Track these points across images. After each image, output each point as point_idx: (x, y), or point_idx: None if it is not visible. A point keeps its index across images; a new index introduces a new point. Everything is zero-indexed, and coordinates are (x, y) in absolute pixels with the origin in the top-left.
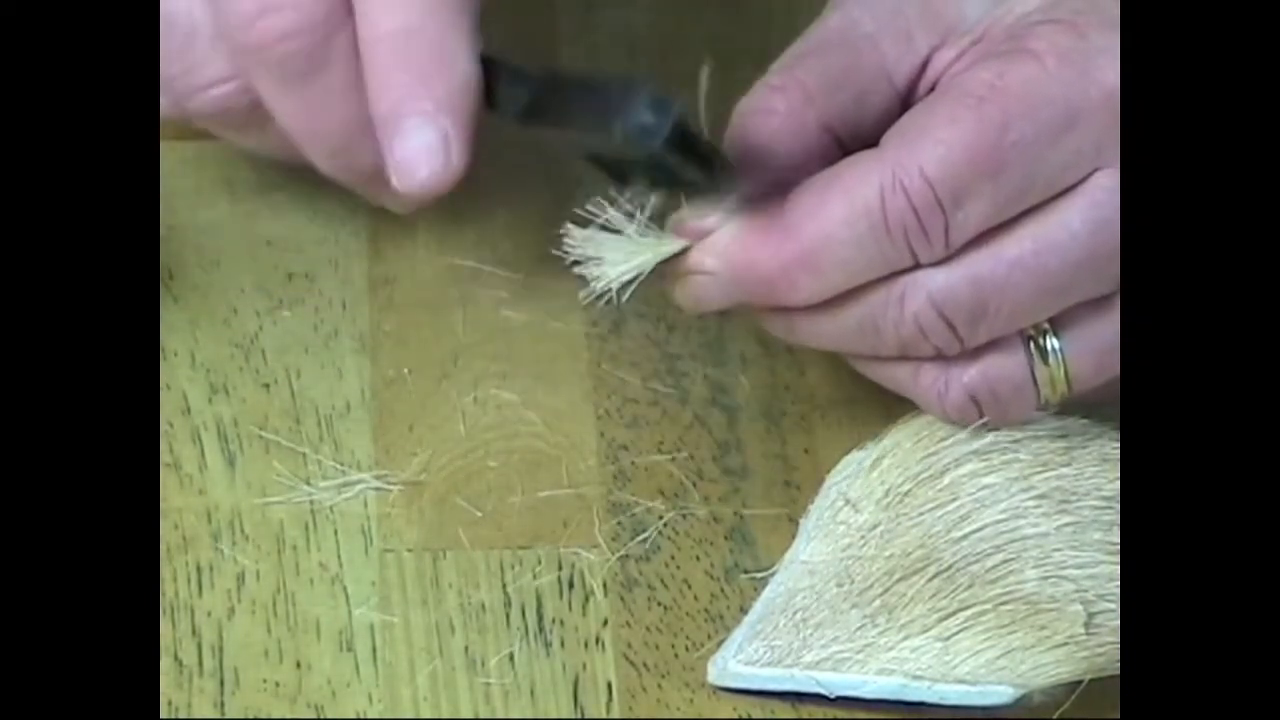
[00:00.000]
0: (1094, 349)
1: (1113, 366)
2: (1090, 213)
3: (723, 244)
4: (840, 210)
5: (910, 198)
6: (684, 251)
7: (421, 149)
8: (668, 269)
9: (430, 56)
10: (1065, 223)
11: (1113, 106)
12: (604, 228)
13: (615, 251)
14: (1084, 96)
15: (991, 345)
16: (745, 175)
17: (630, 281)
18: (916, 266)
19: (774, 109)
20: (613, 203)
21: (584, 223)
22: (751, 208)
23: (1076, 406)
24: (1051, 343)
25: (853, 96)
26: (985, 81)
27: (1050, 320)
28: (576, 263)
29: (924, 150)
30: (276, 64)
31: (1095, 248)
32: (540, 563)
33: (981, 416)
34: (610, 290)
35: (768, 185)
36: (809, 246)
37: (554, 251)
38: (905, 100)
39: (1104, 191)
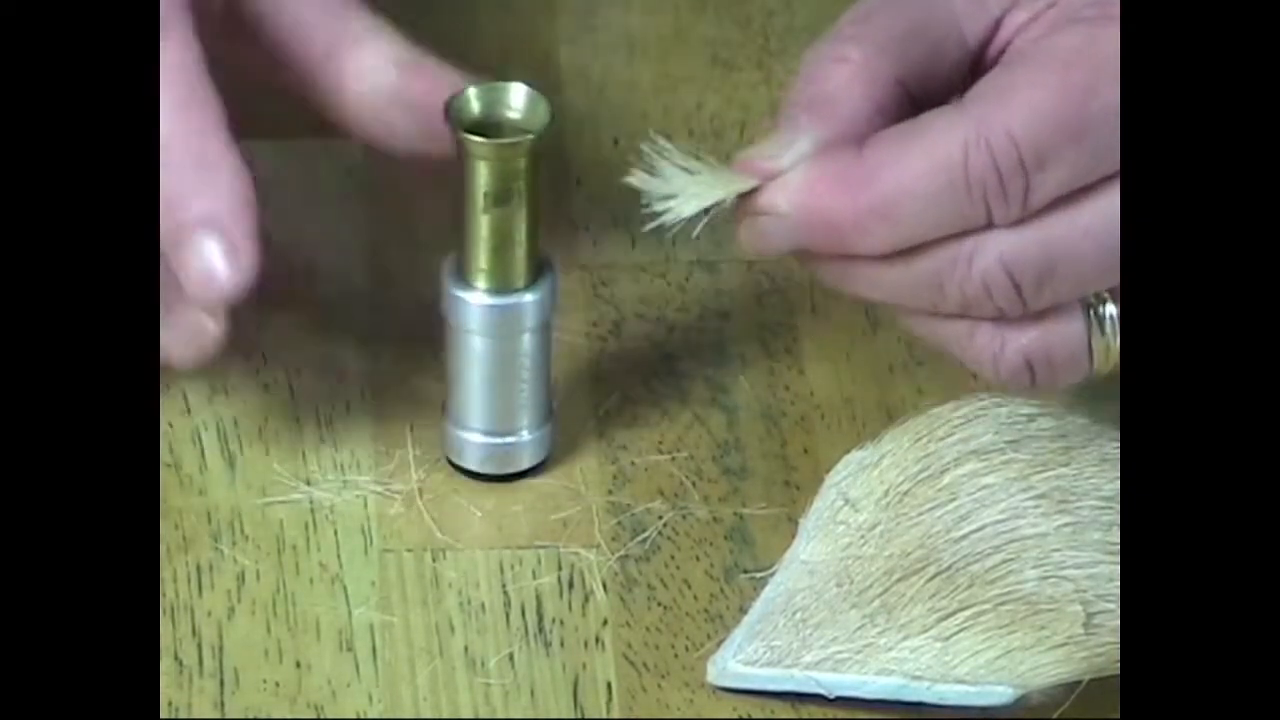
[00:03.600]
0: None
1: None
2: None
3: (796, 186)
4: (921, 163)
5: (994, 156)
6: (755, 190)
7: (211, 261)
8: (735, 207)
9: (197, 165)
10: None
11: None
12: (674, 163)
13: (687, 186)
14: None
15: (1051, 310)
16: (813, 122)
17: (701, 214)
18: (989, 226)
19: (847, 57)
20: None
21: (654, 157)
22: (823, 154)
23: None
24: (1110, 311)
25: (926, 51)
26: (1073, 47)
27: (1113, 294)
28: (646, 200)
29: (1011, 110)
30: None
31: None
32: (540, 563)
33: (1033, 381)
34: (679, 225)
35: (834, 135)
36: (886, 196)
37: (628, 180)
38: (976, 60)
39: None
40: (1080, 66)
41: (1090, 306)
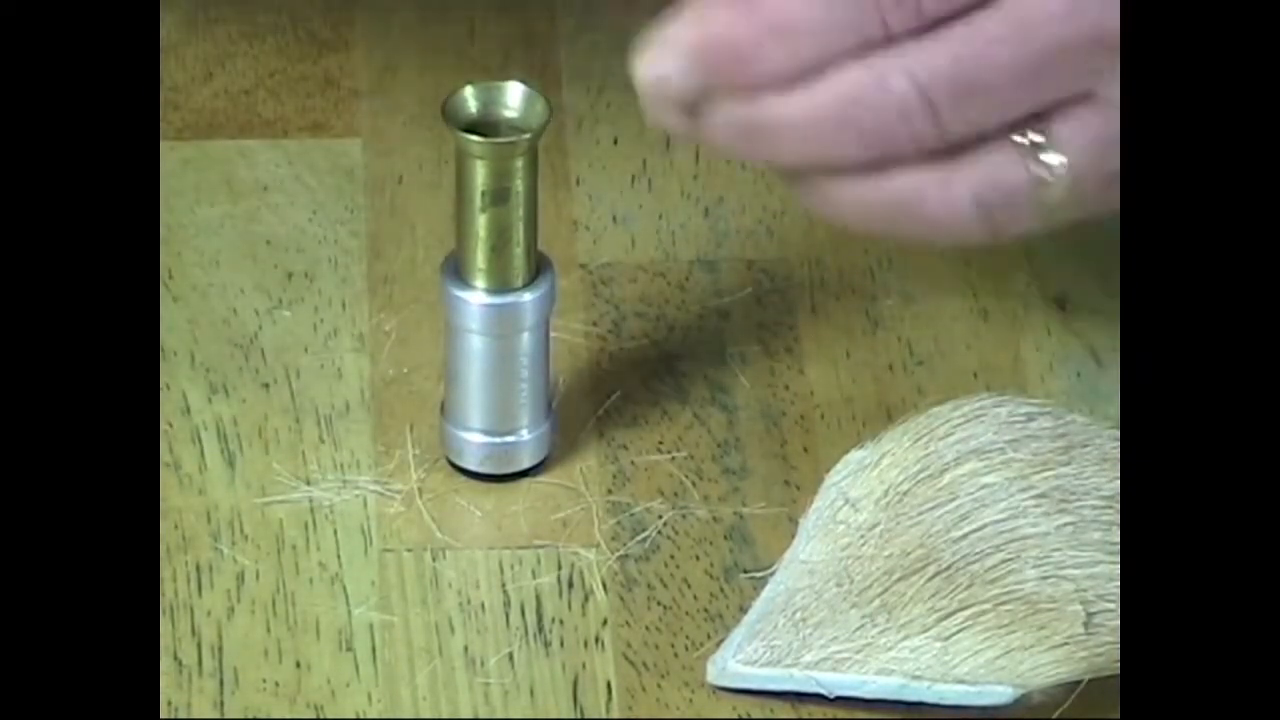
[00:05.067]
0: (1091, 141)
1: (1113, 161)
2: None
3: (692, 15)
4: None
5: None
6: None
7: None
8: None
9: None
10: (1044, 3)
11: None
12: None
13: None
14: None
15: (982, 146)
16: None
17: None
18: (890, 42)
19: None
20: None
21: None
22: None
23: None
24: (1048, 137)
25: None
26: None
27: (1043, 120)
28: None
29: None
30: None
31: (1077, 29)
32: (540, 562)
33: (991, 228)
34: None
35: None
36: (777, 7)
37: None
38: None
39: None
40: None
41: (1024, 135)
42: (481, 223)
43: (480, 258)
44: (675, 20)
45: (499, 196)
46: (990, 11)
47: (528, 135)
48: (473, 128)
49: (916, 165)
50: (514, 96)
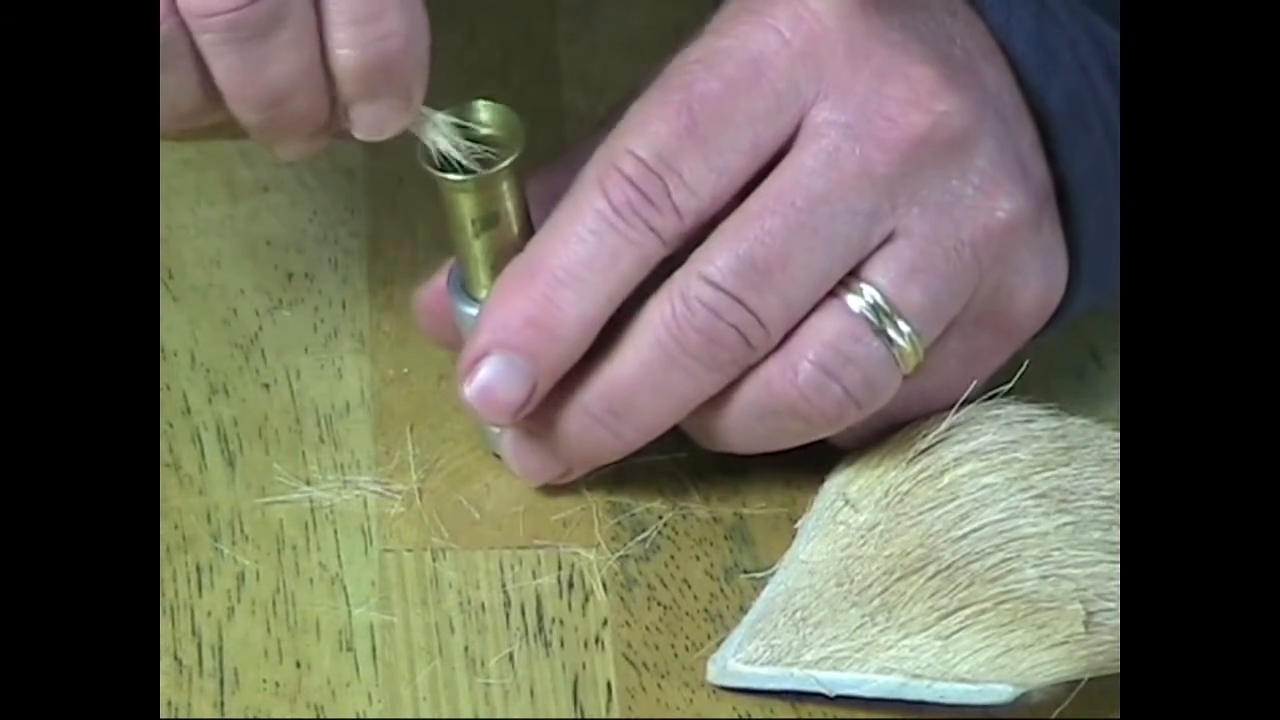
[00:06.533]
0: (903, 270)
1: (937, 289)
2: (818, 144)
3: (484, 319)
4: (567, 220)
5: (623, 174)
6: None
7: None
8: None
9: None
10: (798, 162)
11: (795, 49)
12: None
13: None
14: (764, 45)
15: (811, 314)
16: None
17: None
18: (668, 253)
19: None
20: None
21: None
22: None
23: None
24: (864, 288)
25: None
26: (671, 68)
27: (856, 272)
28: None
29: (625, 134)
30: (226, 27)
31: (837, 178)
32: (540, 562)
33: (846, 391)
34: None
35: None
36: (554, 263)
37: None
38: None
39: (824, 124)
40: (676, 74)
41: (841, 295)
42: (478, 247)
43: (483, 276)
44: (470, 335)
45: (490, 221)
46: (754, 193)
47: (508, 160)
48: (449, 156)
49: (762, 363)
50: (483, 114)
